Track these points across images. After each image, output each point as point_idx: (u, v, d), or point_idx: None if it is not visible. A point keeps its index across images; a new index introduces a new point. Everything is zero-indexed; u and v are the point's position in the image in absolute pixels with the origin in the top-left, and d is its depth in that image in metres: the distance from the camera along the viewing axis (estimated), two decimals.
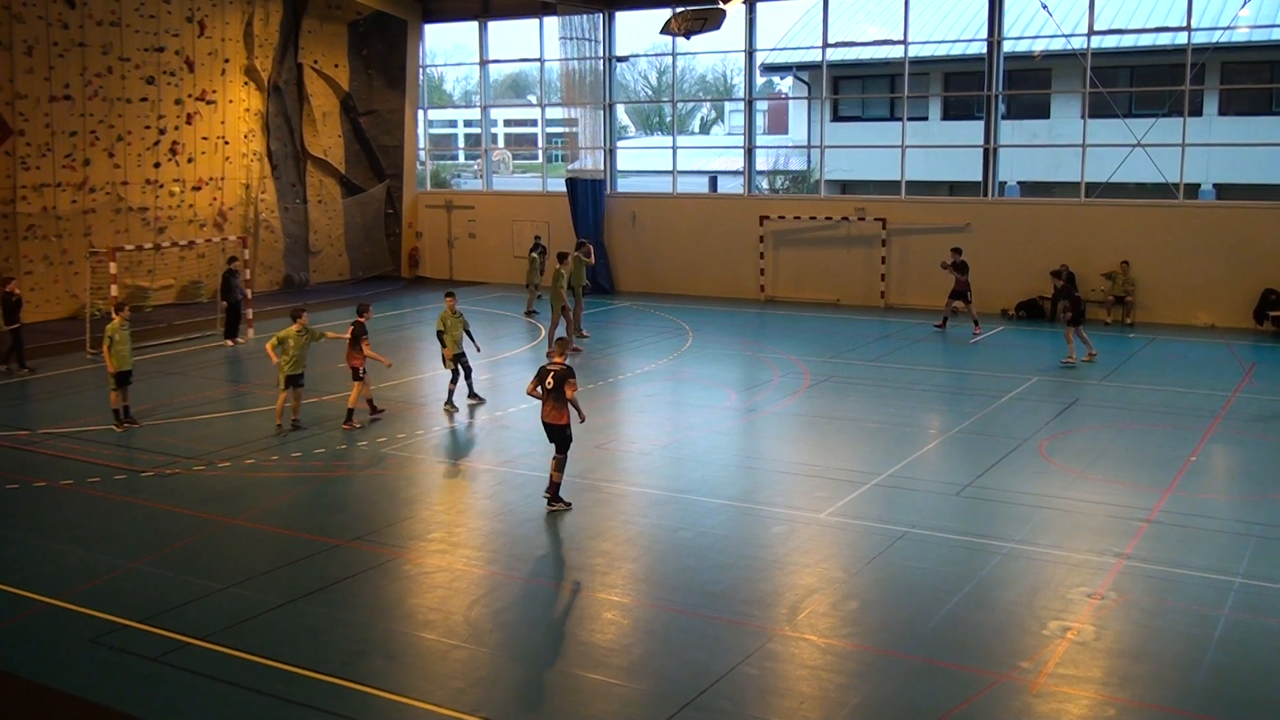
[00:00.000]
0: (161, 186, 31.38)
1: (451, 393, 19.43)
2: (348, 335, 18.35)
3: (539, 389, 13.99)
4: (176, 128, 31.55)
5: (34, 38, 28.00)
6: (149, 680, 9.87)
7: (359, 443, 17.41)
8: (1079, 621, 10.77)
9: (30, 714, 9.46)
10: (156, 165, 31.17)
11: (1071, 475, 15.48)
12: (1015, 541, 12.88)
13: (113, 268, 25.21)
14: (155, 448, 17.32)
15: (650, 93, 59.33)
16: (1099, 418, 18.69)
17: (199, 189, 32.44)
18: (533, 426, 18.76)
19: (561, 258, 24.99)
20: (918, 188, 32.51)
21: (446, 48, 45.12)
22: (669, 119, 43.04)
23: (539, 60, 36.47)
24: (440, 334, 19.61)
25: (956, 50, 36.59)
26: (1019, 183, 37.52)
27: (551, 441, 14.13)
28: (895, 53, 32.72)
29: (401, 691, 9.58)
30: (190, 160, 32.07)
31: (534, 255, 30.44)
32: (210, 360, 24.58)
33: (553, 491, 14.14)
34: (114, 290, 24.97)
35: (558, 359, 14.21)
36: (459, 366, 19.43)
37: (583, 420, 14.10)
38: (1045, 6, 28.37)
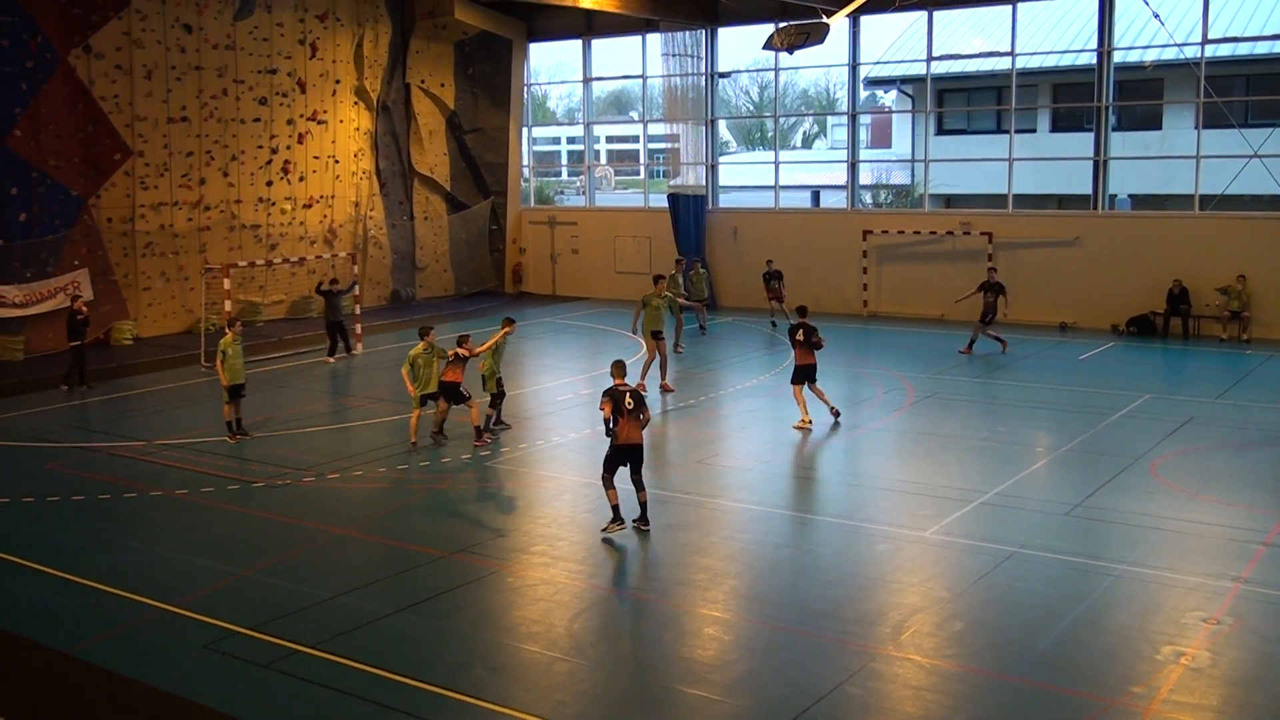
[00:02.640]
0: (274, 204, 32.20)
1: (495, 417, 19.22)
2: (464, 351, 18.23)
3: (616, 413, 13.56)
4: (288, 147, 32.35)
5: (153, 62, 28.94)
6: (259, 686, 10.09)
7: (462, 455, 17.62)
8: (1194, 647, 10.45)
9: (145, 717, 9.73)
10: (269, 184, 31.99)
11: (1185, 496, 15.05)
12: (1127, 563, 12.55)
13: (226, 284, 25.93)
14: (266, 459, 17.74)
15: (752, 108, 59.26)
16: (1214, 437, 18.15)
17: (310, 207, 33.22)
18: None
19: (657, 280, 23.45)
20: (1025, 201, 31.99)
21: (550, 66, 45.63)
22: (771, 134, 42.95)
23: (641, 77, 36.68)
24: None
25: (1065, 61, 35.98)
26: (1130, 196, 36.71)
27: (631, 463, 13.74)
28: (1002, 64, 32.26)
29: (504, 703, 9.65)
30: (301, 179, 32.85)
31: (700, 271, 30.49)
32: (320, 374, 25.10)
33: (642, 513, 13.92)
34: (227, 306, 25.69)
35: (619, 380, 13.97)
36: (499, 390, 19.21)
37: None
38: (1157, 15, 27.72)
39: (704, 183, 34.73)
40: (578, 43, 37.37)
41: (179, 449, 18.44)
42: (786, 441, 18.62)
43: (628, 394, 13.71)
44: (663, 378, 22.04)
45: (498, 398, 19.07)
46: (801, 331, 19.15)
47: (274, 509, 15.26)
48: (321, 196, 33.52)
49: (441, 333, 23.61)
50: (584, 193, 41.48)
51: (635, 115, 48.45)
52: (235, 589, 12.36)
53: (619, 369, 14.24)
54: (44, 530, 14.54)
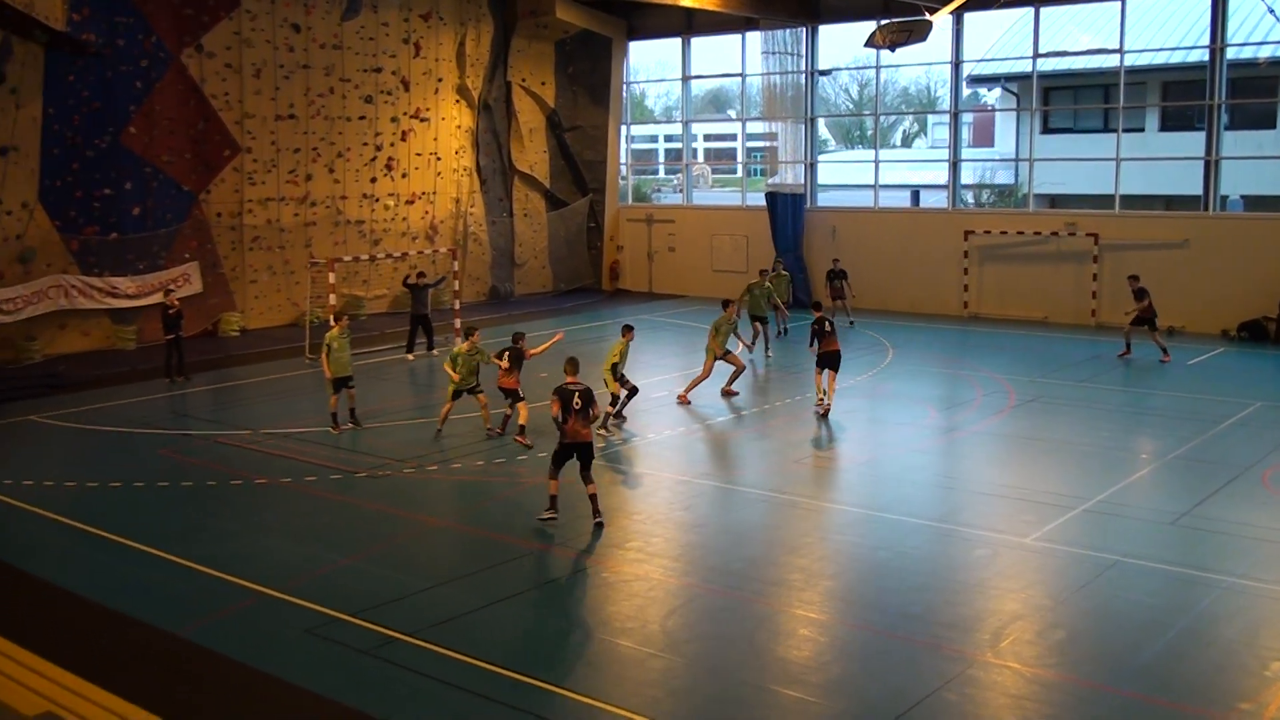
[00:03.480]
0: (377, 200, 32.74)
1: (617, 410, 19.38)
2: (504, 363, 18.31)
3: (563, 412, 13.85)
4: (392, 144, 32.87)
5: (262, 61, 29.61)
6: (360, 672, 10.28)
7: None
8: None
9: (249, 699, 9.96)
10: (373, 180, 32.53)
11: None
12: (1235, 576, 12.20)
13: (331, 278, 26.44)
14: (368, 450, 18.05)
15: (852, 106, 58.71)
16: None
17: (412, 203, 33.72)
18: (729, 440, 18.93)
19: (726, 305, 21.62)
20: (1133, 202, 31.25)
21: (649, 64, 45.58)
22: (870, 132, 42.57)
23: (740, 75, 36.59)
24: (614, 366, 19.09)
25: (1176, 58, 35.05)
26: (1242, 197, 35.66)
27: (580, 459, 13.99)
28: (1110, 62, 31.58)
29: (598, 697, 9.71)
30: (404, 175, 33.36)
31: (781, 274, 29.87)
32: (420, 367, 25.48)
33: (594, 506, 14.12)
34: (332, 299, 26.19)
35: (572, 379, 14.17)
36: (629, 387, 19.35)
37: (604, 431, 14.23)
38: (1272, 10, 26.89)
39: (802, 181, 34.53)
40: (677, 41, 37.39)
41: (283, 438, 18.86)
42: (884, 443, 18.46)
43: (577, 393, 13.90)
44: (728, 383, 21.49)
45: (629, 395, 19.24)
46: (829, 323, 19.95)
47: (374, 499, 15.53)
48: (423, 193, 34.00)
49: (536, 329, 23.83)
50: (681, 191, 41.50)
51: (733, 113, 48.34)
52: (336, 576, 12.61)
53: (572, 366, 14.50)
54: (154, 514, 14.99)
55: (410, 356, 26.11)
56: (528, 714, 9.44)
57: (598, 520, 14.08)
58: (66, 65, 25.76)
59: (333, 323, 19.69)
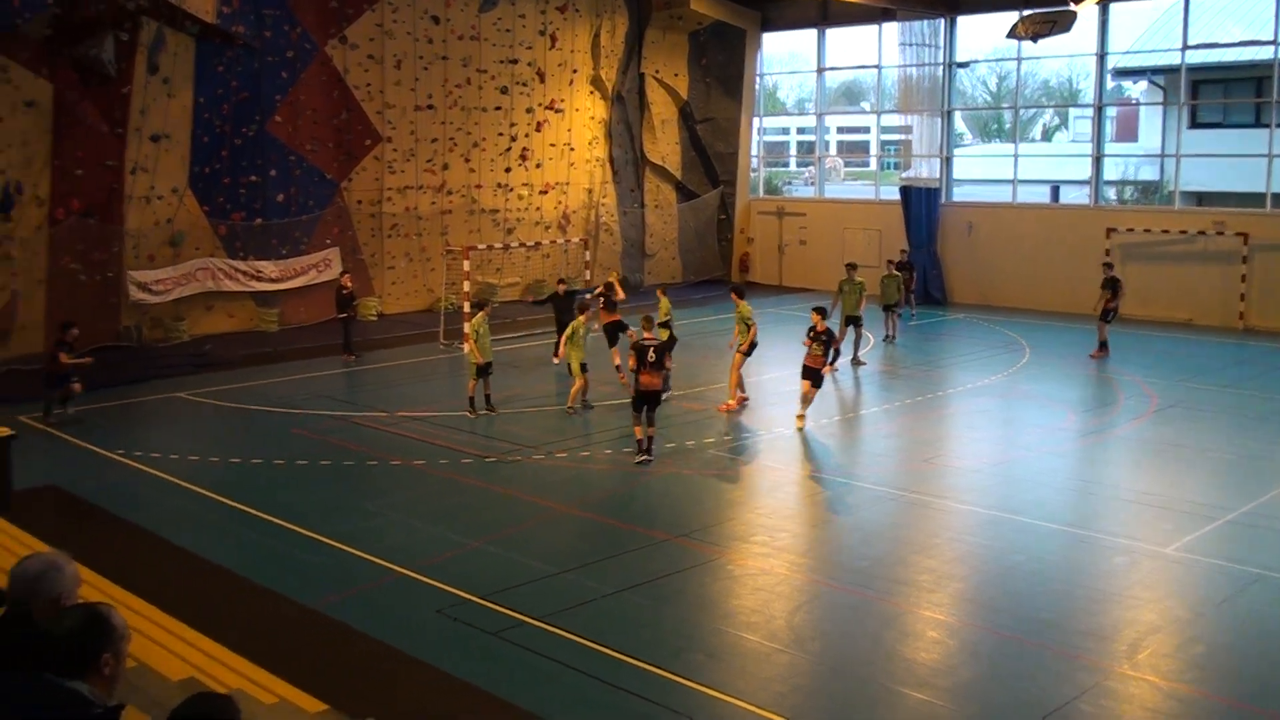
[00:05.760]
0: (511, 190, 33.17)
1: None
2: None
3: (639, 365, 16.12)
4: (527, 135, 33.25)
5: (402, 52, 30.21)
6: (487, 653, 10.45)
7: (687, 442, 17.77)
8: None
9: (380, 673, 10.20)
10: (507, 170, 32.96)
11: None
12: None
13: (466, 265, 26.89)
14: (499, 435, 18.33)
15: (989, 98, 57.48)
16: None
17: (545, 193, 34.07)
18: (857, 437, 18.75)
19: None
20: None
21: (782, 55, 45.12)
22: (1009, 126, 41.63)
23: (876, 67, 36.10)
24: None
25: None
26: None
27: (648, 405, 16.24)
28: (1264, 54, 30.34)
29: (722, 689, 9.71)
30: (538, 165, 33.73)
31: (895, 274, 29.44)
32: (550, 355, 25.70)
33: (649, 445, 16.34)
34: (466, 286, 26.63)
35: (648, 334, 16.70)
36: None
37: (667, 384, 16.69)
38: None
39: (937, 175, 33.95)
40: (812, 32, 37.06)
41: (418, 421, 19.24)
42: (1018, 444, 18.08)
43: (651, 349, 16.24)
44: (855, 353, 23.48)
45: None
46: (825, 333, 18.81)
47: (504, 484, 15.75)
48: (557, 183, 34.34)
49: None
50: (813, 183, 41.15)
51: (868, 106, 47.73)
52: (466, 558, 12.83)
53: (648, 324, 17.13)
54: (293, 491, 15.45)
55: (556, 360, 26.18)
56: (652, 703, 9.49)
57: (649, 458, 16.27)
58: (216, 56, 26.63)
59: (478, 310, 20.20)
